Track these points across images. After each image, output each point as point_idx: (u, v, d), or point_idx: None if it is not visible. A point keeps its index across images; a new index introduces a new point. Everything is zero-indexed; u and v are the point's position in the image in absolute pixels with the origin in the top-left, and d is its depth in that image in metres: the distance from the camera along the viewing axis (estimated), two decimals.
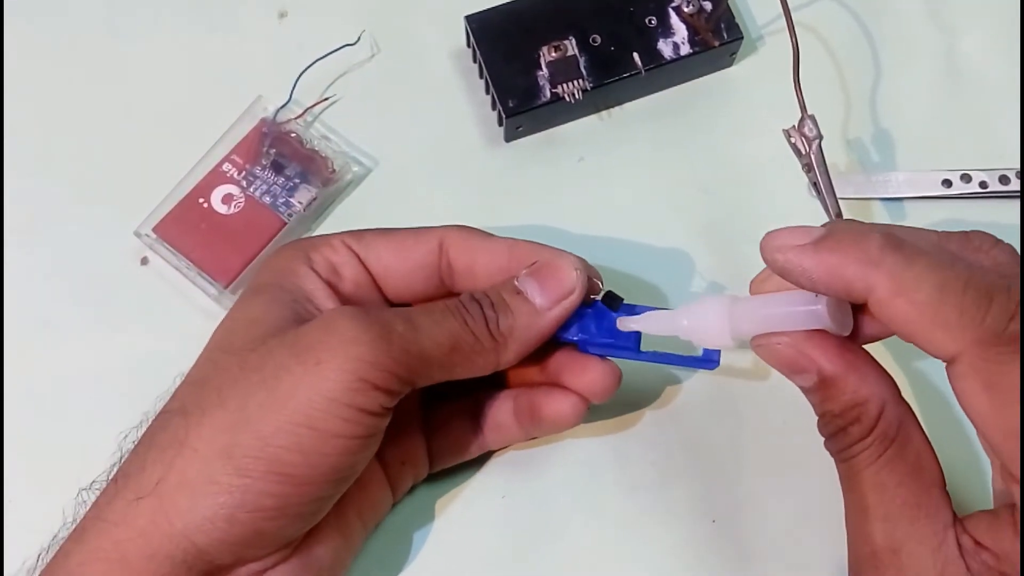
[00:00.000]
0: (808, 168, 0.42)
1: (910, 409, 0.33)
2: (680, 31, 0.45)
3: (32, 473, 0.40)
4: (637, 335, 0.36)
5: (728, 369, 0.41)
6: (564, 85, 0.43)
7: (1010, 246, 0.32)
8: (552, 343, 0.37)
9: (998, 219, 0.44)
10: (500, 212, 0.44)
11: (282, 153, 0.43)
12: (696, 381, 0.42)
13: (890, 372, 0.33)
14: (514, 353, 0.35)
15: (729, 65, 0.47)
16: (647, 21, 0.45)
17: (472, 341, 0.34)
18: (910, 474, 0.32)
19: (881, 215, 0.45)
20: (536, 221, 0.44)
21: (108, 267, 0.43)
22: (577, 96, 0.43)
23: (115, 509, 0.32)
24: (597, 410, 0.39)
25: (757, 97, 0.46)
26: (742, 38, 0.45)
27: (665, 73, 0.45)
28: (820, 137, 0.41)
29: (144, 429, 0.34)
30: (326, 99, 0.45)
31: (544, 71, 0.44)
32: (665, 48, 0.44)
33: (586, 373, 0.37)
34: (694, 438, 0.41)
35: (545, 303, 0.35)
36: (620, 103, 0.46)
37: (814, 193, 0.43)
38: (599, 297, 0.37)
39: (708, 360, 0.36)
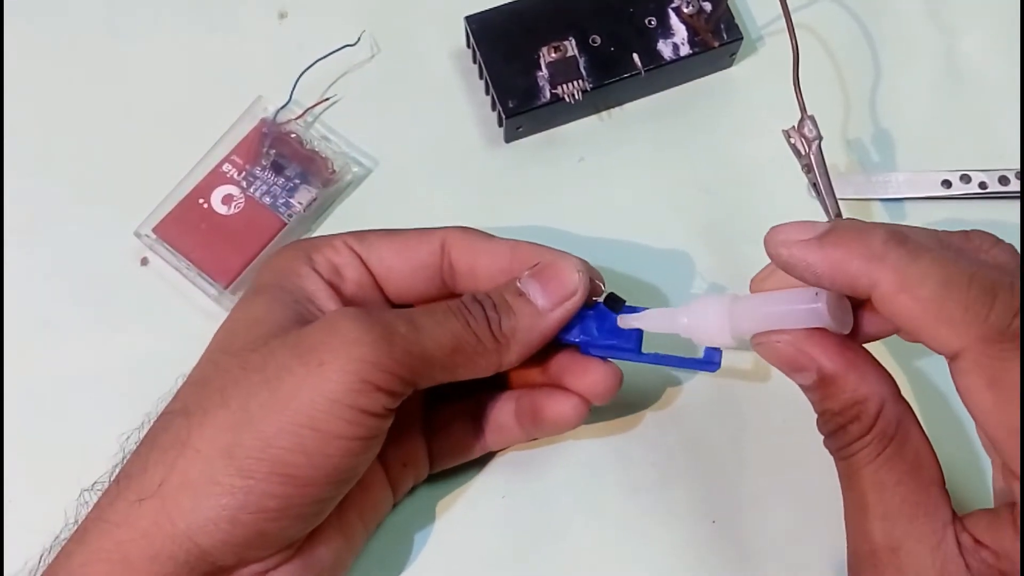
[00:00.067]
0: (808, 169, 0.42)
1: (909, 408, 0.33)
2: (680, 32, 0.45)
3: (32, 473, 0.40)
4: (639, 337, 0.36)
5: (729, 370, 0.41)
6: (564, 86, 0.43)
7: (1010, 246, 0.33)
8: (554, 344, 0.37)
9: (998, 219, 0.44)
10: (500, 212, 0.44)
11: (282, 153, 0.43)
12: (697, 382, 0.42)
13: (889, 371, 0.33)
14: (516, 354, 0.35)
15: (729, 66, 0.47)
16: (647, 22, 0.45)
17: (474, 342, 0.34)
18: (909, 472, 0.32)
19: (881, 216, 0.45)
20: (536, 222, 0.44)
21: (108, 267, 0.43)
22: (577, 96, 0.43)
23: (117, 510, 0.32)
24: (598, 411, 0.39)
25: (757, 98, 0.46)
26: (742, 39, 0.45)
27: (665, 74, 0.45)
28: (820, 138, 0.41)
29: (146, 430, 0.34)
30: (326, 99, 0.45)
31: (544, 72, 0.44)
32: (665, 49, 0.44)
33: (588, 375, 0.37)
34: (695, 439, 0.41)
35: (547, 304, 0.35)
36: (620, 103, 0.46)
37: (814, 194, 0.43)
38: (601, 299, 0.37)
39: (709, 362, 0.36)
